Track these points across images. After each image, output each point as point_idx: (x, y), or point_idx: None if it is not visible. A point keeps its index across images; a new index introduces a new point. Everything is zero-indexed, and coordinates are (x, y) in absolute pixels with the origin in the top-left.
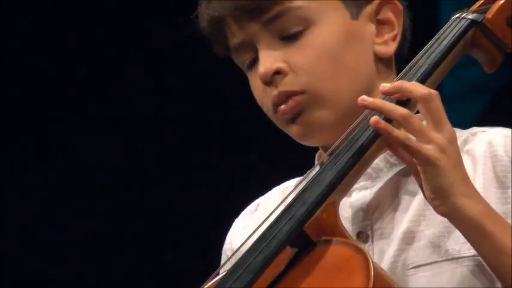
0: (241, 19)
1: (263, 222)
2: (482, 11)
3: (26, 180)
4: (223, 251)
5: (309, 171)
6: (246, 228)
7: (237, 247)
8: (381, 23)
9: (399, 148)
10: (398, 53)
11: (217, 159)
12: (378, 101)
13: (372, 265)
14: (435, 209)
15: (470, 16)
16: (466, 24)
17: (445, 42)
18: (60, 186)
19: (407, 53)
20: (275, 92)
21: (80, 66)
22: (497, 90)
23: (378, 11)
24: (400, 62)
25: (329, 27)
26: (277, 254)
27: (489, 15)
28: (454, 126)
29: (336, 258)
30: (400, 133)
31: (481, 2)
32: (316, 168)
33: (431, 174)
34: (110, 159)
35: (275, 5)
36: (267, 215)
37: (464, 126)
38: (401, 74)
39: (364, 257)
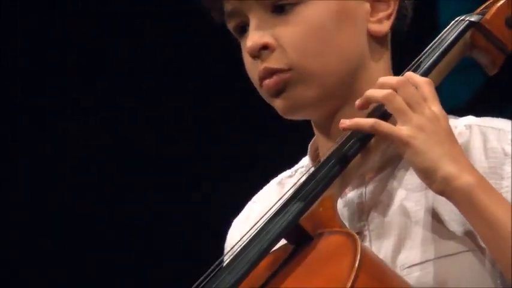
0: None
1: (261, 218)
2: (483, 13)
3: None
4: (224, 248)
5: (300, 164)
6: (246, 222)
7: (235, 238)
8: (376, 0)
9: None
10: (395, 30)
11: (221, 152)
12: (354, 120)
13: (359, 246)
14: (430, 188)
15: (469, 18)
16: (465, 25)
17: (444, 43)
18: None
19: (406, 32)
20: (261, 66)
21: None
22: None
23: None
24: (397, 39)
25: (322, 5)
26: (272, 245)
27: (488, 16)
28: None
29: (328, 247)
30: (367, 121)
31: (484, 5)
32: (306, 160)
33: (409, 155)
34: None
35: None
36: (266, 211)
37: (466, 97)
38: (403, 73)
39: (353, 240)
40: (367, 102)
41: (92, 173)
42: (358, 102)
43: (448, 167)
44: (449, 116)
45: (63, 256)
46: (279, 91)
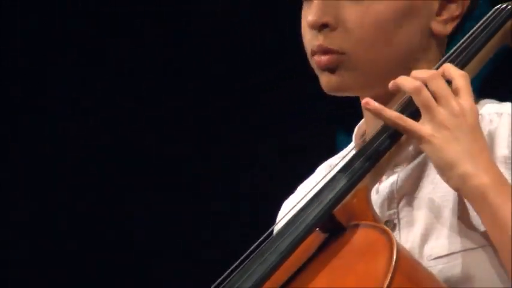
0: None
1: (295, 205)
2: None
3: None
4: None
5: (344, 152)
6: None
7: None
8: (446, 0)
9: None
10: (451, 33)
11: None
12: (379, 107)
13: (395, 246)
14: (447, 183)
15: (510, 7)
16: (506, 14)
17: (485, 32)
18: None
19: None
20: (317, 42)
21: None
22: None
23: None
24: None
25: None
26: (305, 237)
27: None
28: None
29: (362, 242)
30: (391, 113)
31: None
32: (351, 149)
33: (428, 151)
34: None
35: None
36: (301, 199)
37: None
38: (439, 63)
39: (389, 238)
40: (397, 88)
41: (92, 173)
42: (391, 83)
43: (465, 166)
44: (492, 101)
45: (63, 256)
46: (328, 69)
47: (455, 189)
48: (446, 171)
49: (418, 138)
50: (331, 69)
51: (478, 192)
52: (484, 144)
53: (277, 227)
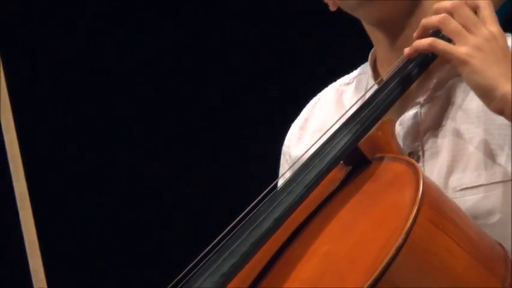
0: None
1: (319, 137)
2: None
3: None
4: (282, 153)
5: (358, 71)
6: (303, 129)
7: (294, 153)
8: None
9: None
10: None
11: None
12: (413, 45)
13: (421, 178)
14: (488, 107)
15: None
16: None
17: None
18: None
19: None
20: None
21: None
22: None
23: None
24: None
25: None
26: (330, 169)
27: None
28: None
29: (388, 174)
30: (425, 40)
31: None
32: (370, 82)
33: (467, 73)
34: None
35: None
36: (323, 123)
37: None
38: None
39: (415, 171)
40: (424, 30)
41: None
42: (415, 33)
43: (506, 86)
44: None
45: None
46: None
47: (498, 111)
48: (487, 92)
49: (456, 59)
50: None
51: None
52: None
53: (289, 151)
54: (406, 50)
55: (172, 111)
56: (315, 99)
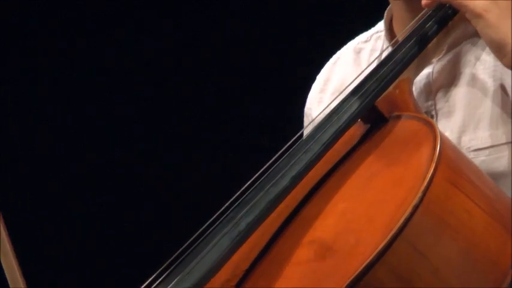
0: None
1: (338, 95)
2: None
3: None
4: (304, 114)
5: (375, 29)
6: (323, 92)
7: (314, 113)
8: None
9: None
10: None
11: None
12: None
13: (439, 137)
14: (501, 61)
15: None
16: None
17: None
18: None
19: None
20: None
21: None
22: None
23: None
24: None
25: None
26: (348, 127)
27: None
28: None
29: (405, 132)
30: None
31: None
32: (386, 42)
33: (481, 27)
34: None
35: None
36: (343, 81)
37: None
38: None
39: (432, 129)
40: None
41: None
42: None
43: None
44: None
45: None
46: None
47: (510, 66)
48: (501, 47)
49: (472, 12)
50: None
51: None
52: None
53: (311, 112)
54: (424, 1)
55: (172, 111)
56: (334, 58)
